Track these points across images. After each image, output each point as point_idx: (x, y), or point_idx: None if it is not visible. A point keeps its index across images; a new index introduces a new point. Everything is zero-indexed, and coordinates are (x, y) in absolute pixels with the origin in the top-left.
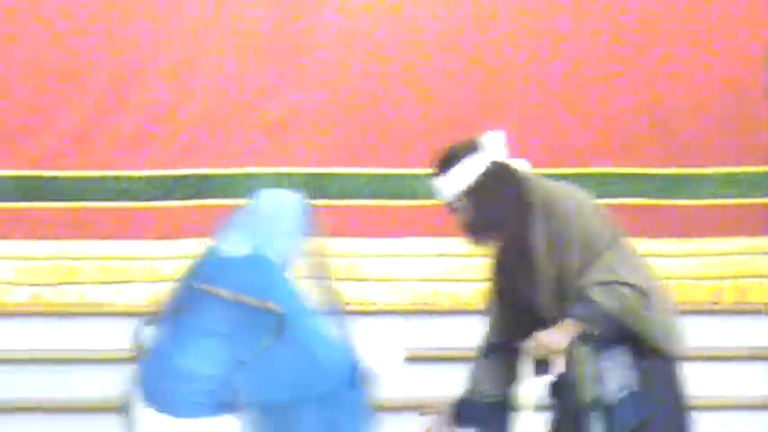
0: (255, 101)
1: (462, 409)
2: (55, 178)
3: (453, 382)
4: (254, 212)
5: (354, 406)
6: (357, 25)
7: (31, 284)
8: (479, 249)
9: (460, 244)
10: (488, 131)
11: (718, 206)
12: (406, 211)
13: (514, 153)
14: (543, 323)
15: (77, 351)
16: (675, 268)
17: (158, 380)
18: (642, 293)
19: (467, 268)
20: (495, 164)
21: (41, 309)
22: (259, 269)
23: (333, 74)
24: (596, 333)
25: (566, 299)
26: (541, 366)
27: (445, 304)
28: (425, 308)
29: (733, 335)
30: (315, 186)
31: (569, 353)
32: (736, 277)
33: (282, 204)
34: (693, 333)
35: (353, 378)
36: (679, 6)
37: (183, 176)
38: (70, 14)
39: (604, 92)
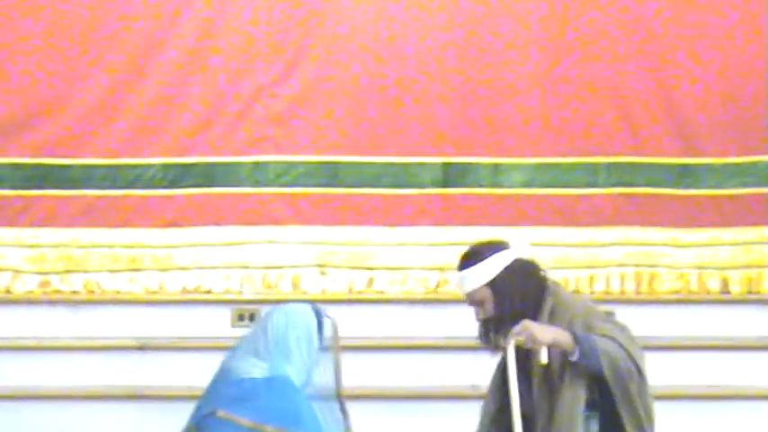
0: (264, 89)
1: None
2: (63, 166)
3: (461, 372)
4: (271, 330)
5: None
6: (366, 12)
7: (39, 273)
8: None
9: (469, 233)
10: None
11: (729, 196)
12: (414, 200)
13: (527, 139)
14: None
15: (86, 339)
16: (685, 258)
17: None
18: (640, 373)
19: None
20: (518, 261)
21: (50, 297)
22: (279, 393)
23: (342, 62)
24: (576, 361)
25: (554, 394)
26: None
27: (454, 293)
28: (434, 297)
29: (743, 324)
30: (322, 175)
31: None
32: (746, 267)
33: (296, 320)
34: (703, 322)
35: None
36: None
37: (191, 164)
38: (77, 1)
39: (614, 82)
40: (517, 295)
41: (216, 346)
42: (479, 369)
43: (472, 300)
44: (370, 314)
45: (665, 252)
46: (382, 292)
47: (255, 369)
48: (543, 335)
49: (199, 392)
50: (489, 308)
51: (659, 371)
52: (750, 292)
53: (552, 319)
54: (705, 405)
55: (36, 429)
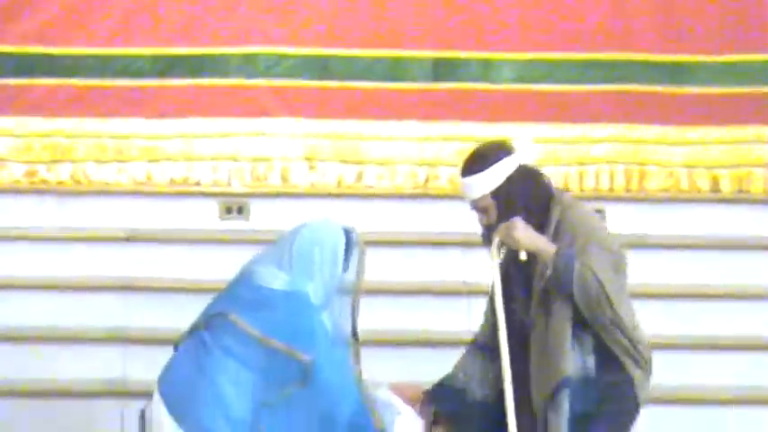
0: None
1: (436, 392)
2: (51, 55)
3: (451, 268)
4: (297, 243)
5: None
6: None
7: (25, 162)
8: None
9: (459, 128)
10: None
11: (721, 94)
12: (404, 94)
13: (519, 34)
14: (525, 335)
15: (72, 230)
16: (675, 155)
17: (186, 395)
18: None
19: (465, 152)
20: (522, 168)
21: (36, 187)
22: (295, 309)
23: None
24: (550, 280)
25: (549, 307)
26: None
27: (444, 188)
28: (423, 192)
29: (733, 224)
30: (313, 67)
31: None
32: (736, 166)
33: (324, 239)
34: (693, 221)
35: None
36: None
37: (180, 56)
38: None
39: None
40: (521, 206)
41: (204, 238)
42: (469, 265)
43: (475, 206)
44: (358, 209)
45: (656, 150)
46: (371, 187)
47: (276, 280)
48: (523, 239)
49: (186, 285)
50: (493, 216)
51: (646, 270)
52: (740, 191)
53: (556, 235)
54: (693, 304)
55: (21, 319)
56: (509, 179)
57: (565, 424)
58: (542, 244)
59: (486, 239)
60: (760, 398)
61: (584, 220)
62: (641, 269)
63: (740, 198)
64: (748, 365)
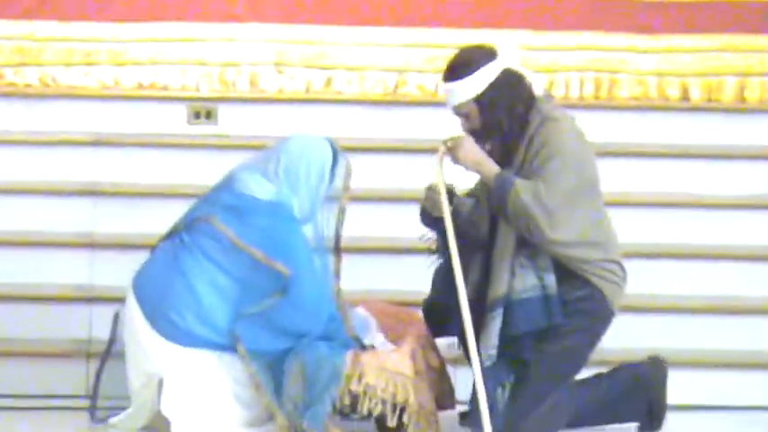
0: None
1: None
2: None
3: (419, 174)
4: (285, 156)
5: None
6: None
7: None
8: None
9: (428, 35)
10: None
11: (690, 2)
12: (374, 0)
13: None
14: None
15: (40, 133)
16: (645, 64)
17: (162, 297)
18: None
19: (435, 59)
20: (506, 73)
21: (3, 90)
22: (279, 221)
23: None
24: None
25: (496, 227)
26: None
27: (413, 95)
28: (392, 98)
29: (702, 132)
30: None
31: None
32: (705, 75)
33: (311, 153)
34: (662, 129)
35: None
36: None
37: None
38: None
39: None
40: (504, 111)
41: (171, 143)
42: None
43: (458, 112)
44: (327, 114)
45: (625, 58)
46: (340, 92)
47: (261, 190)
48: (465, 157)
49: (154, 190)
50: (475, 121)
51: (618, 177)
52: (710, 100)
53: (530, 145)
54: (661, 211)
55: None
56: (492, 85)
57: (494, 340)
58: (486, 165)
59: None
60: (732, 308)
61: (555, 136)
62: (611, 177)
63: (710, 107)
64: (715, 275)
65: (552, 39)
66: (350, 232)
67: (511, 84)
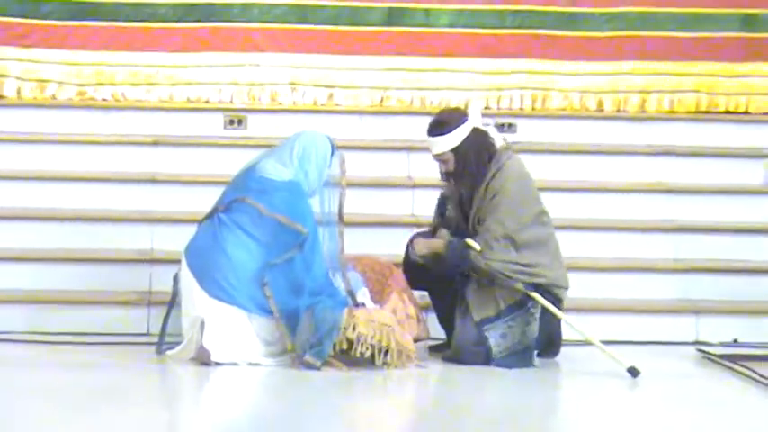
0: None
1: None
2: (97, 2)
3: (398, 166)
4: (294, 146)
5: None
6: None
7: (77, 84)
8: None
9: (406, 62)
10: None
11: (604, 37)
12: (364, 35)
13: None
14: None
15: (113, 135)
16: (570, 83)
17: (207, 263)
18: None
19: (410, 80)
20: (475, 131)
21: (86, 103)
22: (294, 195)
23: None
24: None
25: (476, 231)
26: None
27: (394, 107)
28: (378, 109)
29: (613, 135)
30: (295, 15)
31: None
32: (616, 92)
33: (317, 145)
34: (584, 133)
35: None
36: None
37: (195, 4)
38: None
39: None
40: (473, 160)
41: (211, 143)
42: (413, 165)
43: (438, 158)
44: (330, 121)
45: (555, 79)
46: (339, 105)
47: (280, 173)
48: (421, 249)
49: (198, 179)
50: (451, 166)
51: (551, 169)
52: (618, 111)
53: (487, 187)
54: (580, 194)
55: (73, 203)
56: (465, 139)
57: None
58: (434, 245)
59: (445, 179)
60: (635, 267)
61: (505, 184)
62: (545, 170)
63: (618, 116)
64: (620, 242)
65: (500, 64)
66: (347, 209)
67: (479, 140)
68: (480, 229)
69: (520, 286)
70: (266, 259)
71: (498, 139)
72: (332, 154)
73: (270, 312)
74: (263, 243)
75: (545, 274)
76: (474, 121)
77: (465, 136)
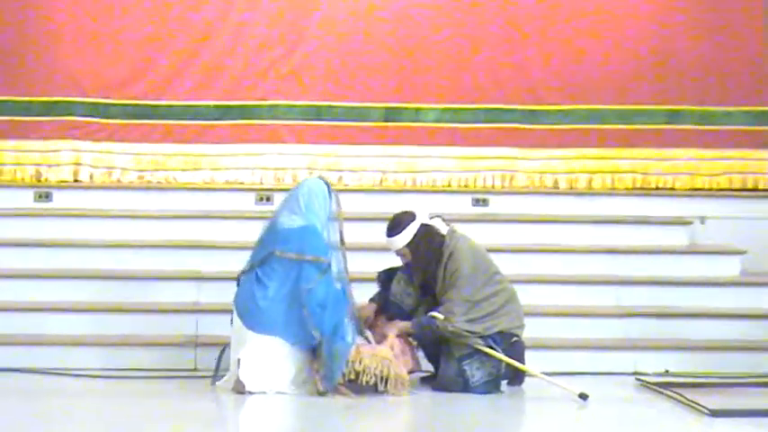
0: (276, 61)
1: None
2: (153, 106)
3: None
4: (301, 195)
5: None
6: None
7: (137, 170)
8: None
9: (402, 150)
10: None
11: (561, 129)
12: (367, 129)
13: (437, 92)
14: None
15: (167, 211)
16: (532, 166)
17: (248, 305)
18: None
19: (405, 164)
20: (423, 226)
21: (145, 185)
22: (311, 236)
23: (328, 38)
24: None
25: (438, 303)
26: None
27: (391, 186)
28: (379, 188)
29: (565, 208)
30: (311, 113)
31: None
32: (569, 173)
33: (316, 192)
34: (543, 207)
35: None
36: None
37: (231, 106)
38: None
39: (486, 53)
40: (425, 250)
41: (246, 216)
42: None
43: (397, 253)
44: (341, 198)
45: (520, 163)
46: (347, 185)
47: (294, 222)
48: (391, 332)
49: (236, 244)
50: (408, 257)
51: (517, 236)
52: (571, 188)
53: (445, 268)
54: (544, 256)
55: (131, 263)
56: (416, 235)
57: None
58: (403, 326)
59: (407, 270)
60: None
61: (460, 264)
62: (513, 237)
63: (570, 192)
64: (576, 294)
65: (476, 152)
66: (353, 267)
67: (427, 233)
68: (443, 300)
69: (478, 341)
70: (298, 291)
71: (443, 228)
72: (329, 191)
73: (304, 343)
74: (291, 282)
75: (501, 321)
76: (421, 218)
77: (415, 232)
